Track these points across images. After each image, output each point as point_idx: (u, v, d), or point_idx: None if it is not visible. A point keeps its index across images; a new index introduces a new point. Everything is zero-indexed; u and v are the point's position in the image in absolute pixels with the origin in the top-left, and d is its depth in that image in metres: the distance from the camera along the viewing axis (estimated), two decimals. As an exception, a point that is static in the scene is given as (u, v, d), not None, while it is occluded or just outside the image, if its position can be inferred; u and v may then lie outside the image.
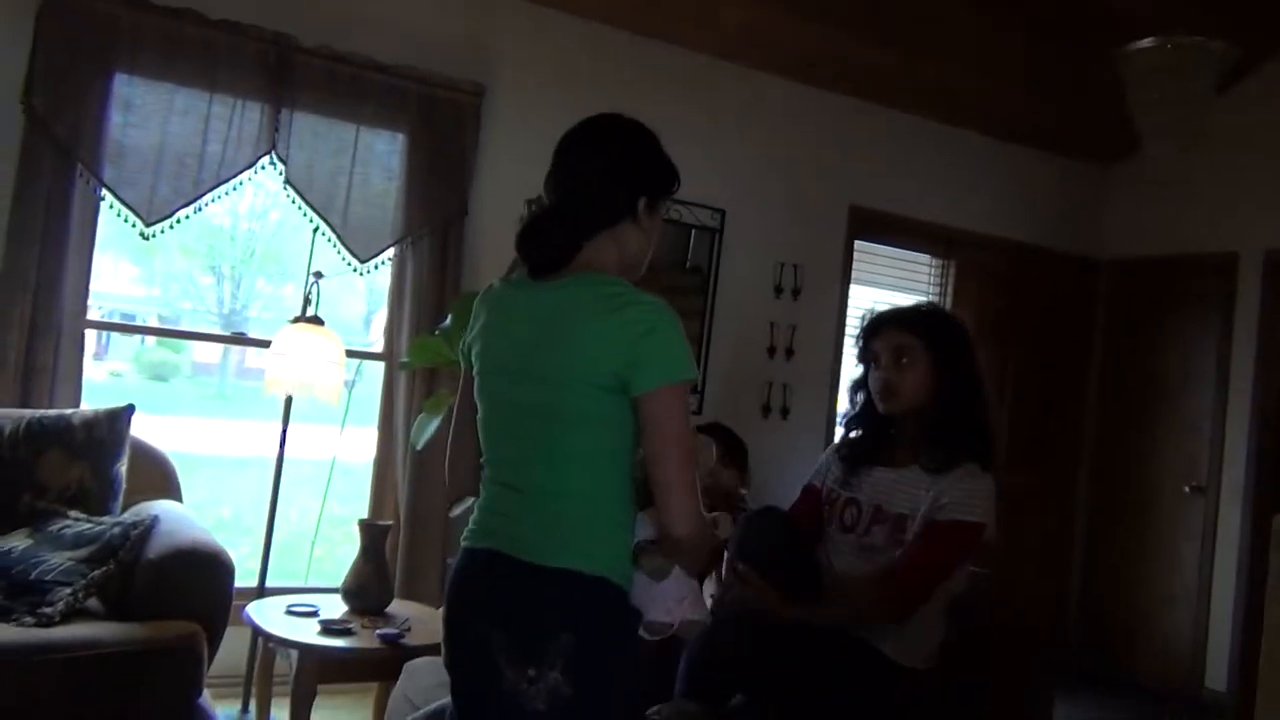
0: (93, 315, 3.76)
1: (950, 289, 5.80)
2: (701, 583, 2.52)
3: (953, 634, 2.47)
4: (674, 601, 1.75)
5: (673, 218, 4.85)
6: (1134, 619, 5.83)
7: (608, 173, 1.77)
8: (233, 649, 3.57)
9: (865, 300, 5.56)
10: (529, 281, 1.78)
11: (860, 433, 2.63)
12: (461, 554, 1.79)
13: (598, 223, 1.75)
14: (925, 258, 5.81)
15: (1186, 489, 5.65)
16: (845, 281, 5.41)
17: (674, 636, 1.79)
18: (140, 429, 3.49)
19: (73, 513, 3.14)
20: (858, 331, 2.66)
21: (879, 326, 2.57)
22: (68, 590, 2.85)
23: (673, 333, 1.64)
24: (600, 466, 1.67)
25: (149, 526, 3.07)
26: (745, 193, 5.07)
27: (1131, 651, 5.81)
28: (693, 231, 4.94)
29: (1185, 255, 5.81)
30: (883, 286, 5.70)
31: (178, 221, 3.83)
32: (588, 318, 1.66)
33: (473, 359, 1.83)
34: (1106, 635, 5.96)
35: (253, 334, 4.13)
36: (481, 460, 1.82)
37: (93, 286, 3.80)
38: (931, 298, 5.79)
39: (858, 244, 5.47)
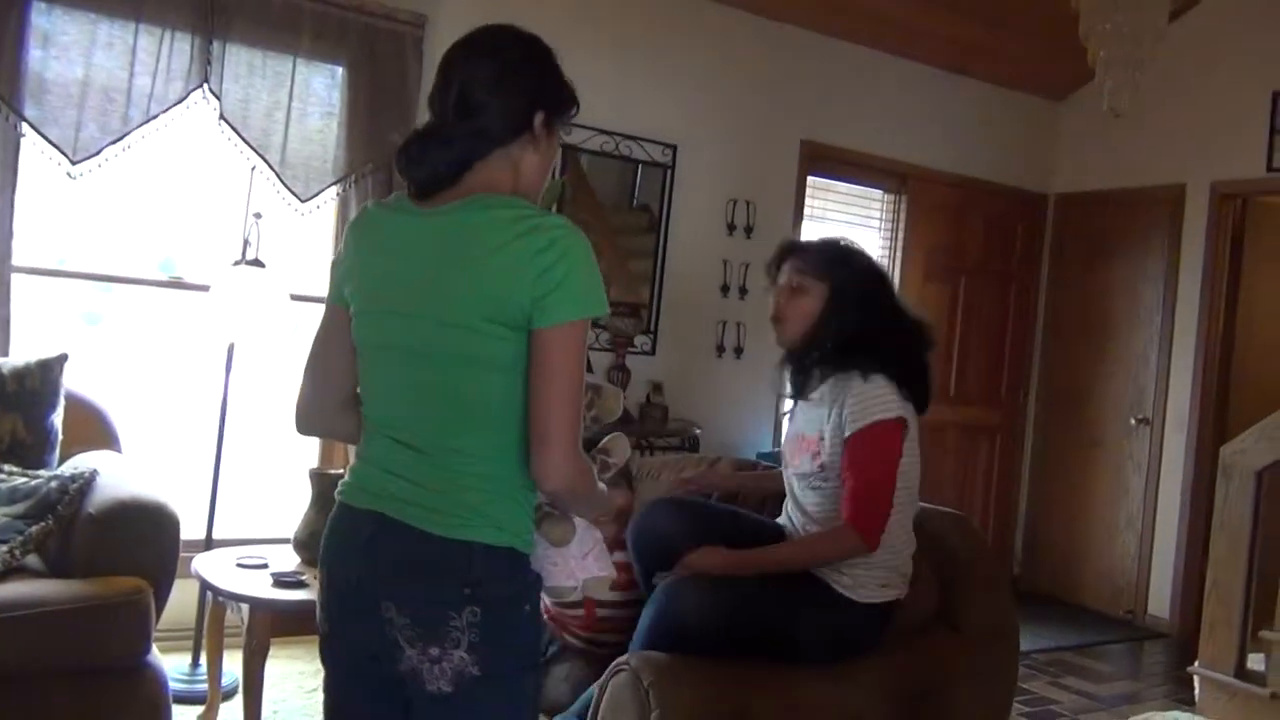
0: (19, 260, 3.58)
1: (902, 224, 5.78)
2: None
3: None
4: (576, 561, 1.63)
5: (622, 153, 4.75)
6: (1081, 547, 5.95)
7: (503, 83, 1.55)
8: (182, 602, 3.47)
9: (820, 235, 5.53)
10: (412, 206, 1.57)
11: (789, 368, 2.61)
12: (341, 510, 1.59)
13: (491, 138, 1.54)
14: (878, 192, 5.78)
15: (1133, 421, 5.74)
16: (798, 218, 5.36)
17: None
18: (76, 378, 3.36)
19: (6, 467, 3.01)
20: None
21: (783, 257, 2.59)
22: (3, 547, 2.74)
23: (586, 260, 1.47)
24: (508, 419, 1.48)
25: (88, 480, 2.95)
26: (697, 128, 4.97)
27: (1078, 579, 5.94)
28: (640, 167, 4.83)
29: (1133, 189, 5.83)
30: (837, 222, 5.65)
31: (106, 161, 3.65)
32: (488, 245, 1.45)
33: (347, 296, 1.61)
34: (1054, 563, 6.08)
35: (190, 279, 3.97)
36: (357, 403, 1.64)
37: (17, 229, 3.62)
38: (884, 233, 5.77)
39: (811, 179, 5.41)
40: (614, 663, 2.12)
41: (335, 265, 1.67)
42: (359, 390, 1.64)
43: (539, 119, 1.57)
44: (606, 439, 1.69)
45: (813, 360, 2.49)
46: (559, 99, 1.62)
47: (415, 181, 1.56)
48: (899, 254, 5.78)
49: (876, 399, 2.38)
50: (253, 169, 3.82)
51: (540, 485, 1.48)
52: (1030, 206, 6.23)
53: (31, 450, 3.16)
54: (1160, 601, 5.59)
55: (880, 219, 5.79)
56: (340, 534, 1.59)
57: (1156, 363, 5.68)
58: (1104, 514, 5.87)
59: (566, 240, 1.46)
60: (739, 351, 5.15)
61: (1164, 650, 5.25)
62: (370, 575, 1.52)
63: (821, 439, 2.45)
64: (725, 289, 5.11)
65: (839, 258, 2.55)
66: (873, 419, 2.36)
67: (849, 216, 5.71)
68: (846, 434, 2.39)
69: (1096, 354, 5.99)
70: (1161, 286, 5.69)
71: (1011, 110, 6.09)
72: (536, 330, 1.44)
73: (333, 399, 1.67)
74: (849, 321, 2.45)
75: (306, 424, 1.72)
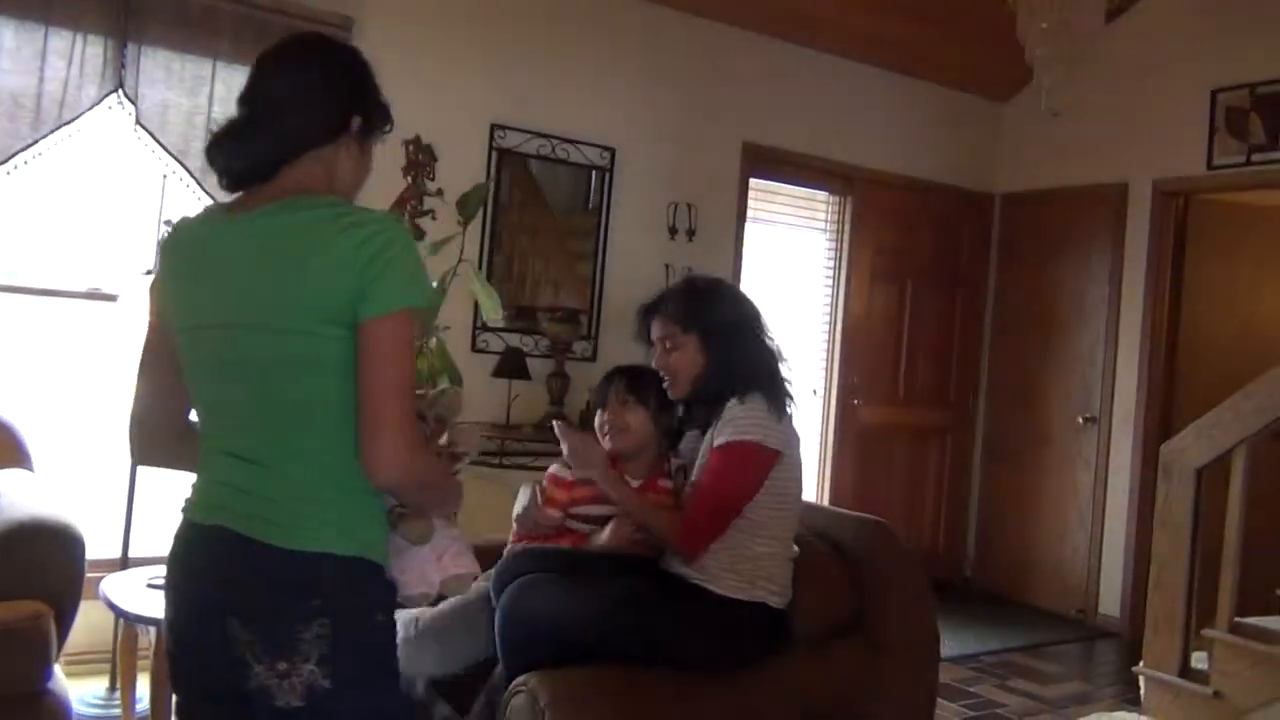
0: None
1: (848, 225, 5.74)
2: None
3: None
4: (432, 563, 1.58)
5: (559, 156, 4.68)
6: (1030, 548, 5.93)
7: (316, 84, 1.54)
8: (99, 624, 3.37)
9: (763, 239, 5.49)
10: (223, 216, 1.54)
11: (681, 409, 2.70)
12: (184, 526, 1.55)
13: (303, 137, 1.52)
14: (823, 194, 5.73)
15: (1080, 420, 5.73)
16: (741, 220, 5.30)
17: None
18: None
19: (-99, 488, 2.89)
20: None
21: (647, 320, 2.66)
22: (-107, 573, 2.61)
23: (408, 252, 1.45)
24: (347, 423, 1.43)
25: (-13, 500, 2.83)
26: (636, 130, 4.91)
27: (1028, 579, 5.92)
28: (590, 172, 4.76)
29: (1077, 188, 5.83)
30: (781, 224, 5.61)
31: (15, 169, 3.52)
32: (308, 244, 1.43)
33: (169, 318, 1.56)
34: (1004, 564, 6.06)
35: (105, 290, 3.84)
36: (193, 427, 1.59)
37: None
38: (830, 234, 5.73)
39: (754, 181, 5.36)
40: (512, 684, 2.04)
41: (153, 288, 1.62)
42: (194, 412, 1.59)
43: (355, 123, 1.57)
44: (449, 431, 1.65)
45: (703, 397, 2.55)
46: (374, 107, 1.61)
47: (229, 175, 1.53)
48: (845, 256, 5.74)
49: (745, 420, 2.41)
50: (164, 176, 3.71)
51: (373, 478, 1.42)
52: (976, 206, 6.21)
53: (-68, 470, 3.04)
54: (1111, 601, 5.58)
55: (826, 221, 5.75)
56: (184, 551, 1.54)
57: (1103, 361, 5.67)
58: (1054, 514, 5.85)
59: (387, 233, 1.44)
60: (683, 356, 5.07)
61: (1114, 650, 5.23)
62: (215, 592, 1.47)
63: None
64: (668, 293, 5.03)
65: (697, 304, 2.59)
66: (736, 438, 2.39)
67: (793, 218, 5.67)
68: (714, 445, 2.44)
69: (1044, 353, 5.98)
70: (1106, 285, 5.69)
71: (956, 111, 6.07)
72: (361, 322, 1.41)
73: (169, 427, 1.62)
74: (731, 357, 2.49)
75: (143, 454, 1.68)
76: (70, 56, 3.58)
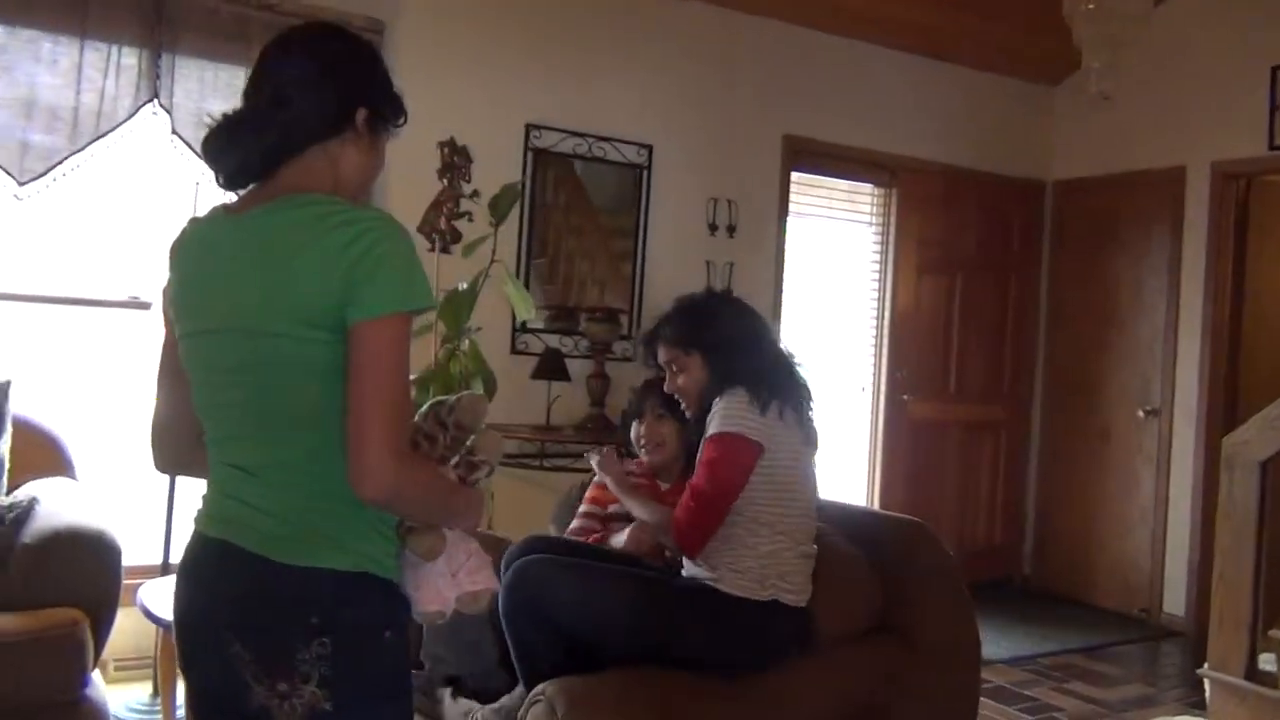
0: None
1: (893, 217, 5.62)
2: None
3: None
4: (447, 579, 1.49)
5: (595, 155, 4.63)
6: (1090, 545, 5.76)
7: (322, 76, 1.47)
8: (143, 630, 3.39)
9: (806, 234, 5.40)
10: (224, 215, 1.48)
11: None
12: (192, 540, 1.50)
13: (306, 130, 1.45)
14: (868, 186, 5.62)
15: (1141, 413, 5.55)
16: (783, 215, 5.21)
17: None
18: (30, 404, 3.29)
19: (-55, 498, 2.93)
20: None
21: (651, 347, 2.70)
22: (-66, 582, 2.65)
23: (401, 251, 1.37)
24: (337, 431, 1.35)
25: (26, 509, 2.86)
26: (673, 126, 4.84)
27: (1088, 577, 5.75)
28: (627, 170, 4.72)
29: (1132, 172, 5.64)
30: (824, 218, 5.52)
31: (54, 181, 3.56)
32: (296, 244, 1.36)
33: (175, 320, 1.52)
34: (1063, 562, 5.89)
35: (144, 298, 3.88)
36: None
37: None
38: (875, 227, 5.63)
39: (795, 175, 5.27)
40: (531, 693, 2.00)
41: (164, 292, 1.56)
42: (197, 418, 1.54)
43: (361, 115, 1.49)
44: (472, 438, 1.56)
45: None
46: (384, 98, 1.53)
47: (223, 172, 1.46)
48: (891, 249, 5.62)
49: (725, 412, 2.41)
50: (196, 183, 3.73)
51: (357, 494, 1.33)
52: (1027, 194, 6.05)
53: (-25, 480, 3.08)
54: (1175, 599, 5.39)
55: (870, 213, 5.64)
56: (190, 564, 1.49)
57: (1163, 352, 5.49)
58: (1115, 509, 5.68)
59: (378, 231, 1.36)
60: (726, 354, 5.00)
61: (1179, 650, 5.05)
62: (215, 608, 1.42)
63: None
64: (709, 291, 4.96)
65: (695, 322, 2.60)
66: (716, 430, 2.40)
67: (837, 211, 5.57)
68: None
69: (1102, 344, 5.80)
70: (1165, 272, 5.50)
71: (1003, 96, 5.92)
72: (350, 327, 1.34)
73: (187, 435, 1.55)
74: (735, 368, 2.49)
75: (163, 462, 1.62)
76: (106, 68, 3.61)
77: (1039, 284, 6.11)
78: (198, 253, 1.50)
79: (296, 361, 1.37)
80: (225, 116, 1.47)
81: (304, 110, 1.44)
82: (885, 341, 5.61)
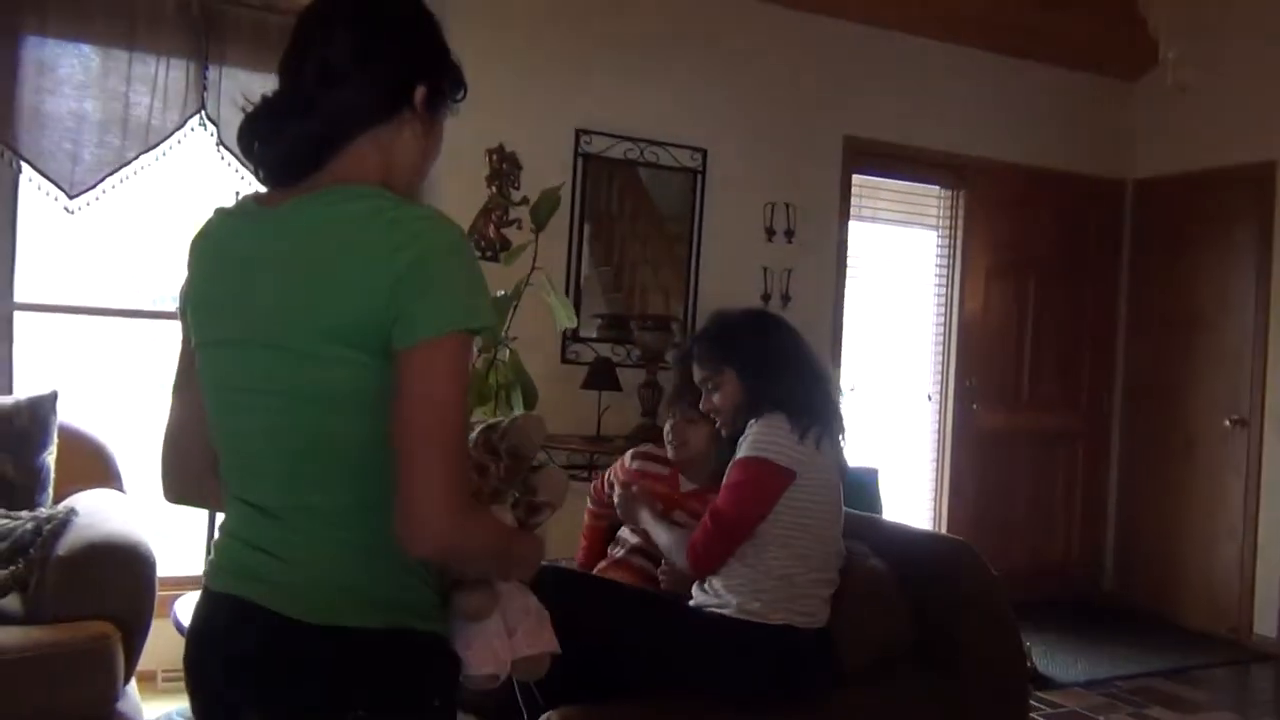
0: (20, 297, 3.56)
1: (961, 220, 5.42)
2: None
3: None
4: (500, 640, 1.31)
5: (647, 160, 4.54)
6: (1175, 562, 5.47)
7: (371, 46, 1.24)
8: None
9: (868, 238, 5.23)
10: (256, 207, 1.27)
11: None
12: (201, 597, 1.30)
13: (359, 116, 1.24)
14: (934, 188, 5.43)
15: (1228, 422, 5.25)
16: (844, 219, 5.05)
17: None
18: (77, 415, 3.31)
19: (-10, 509, 2.95)
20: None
21: (684, 363, 2.68)
22: (-28, 592, 2.66)
23: (457, 259, 1.16)
24: (376, 470, 1.15)
25: (64, 520, 2.87)
26: (727, 129, 4.72)
27: (1173, 595, 5.46)
28: (681, 175, 4.62)
29: (1217, 169, 5.35)
30: (887, 222, 5.34)
31: (104, 193, 3.60)
32: (334, 247, 1.16)
33: (191, 327, 1.31)
34: (1145, 579, 5.61)
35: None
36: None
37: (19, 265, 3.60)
38: (942, 231, 5.43)
39: (856, 178, 5.10)
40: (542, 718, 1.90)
41: (183, 293, 1.34)
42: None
43: (420, 94, 1.27)
44: (534, 475, 1.39)
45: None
46: (443, 71, 1.31)
47: (266, 165, 1.26)
48: (959, 252, 5.42)
49: (761, 437, 2.35)
50: (237, 193, 3.73)
51: (406, 548, 1.14)
52: (1104, 194, 5.78)
53: (21, 491, 3.11)
54: (1268, 620, 5.08)
55: (937, 216, 5.44)
56: (199, 625, 1.29)
57: (1251, 358, 5.19)
58: (1201, 524, 5.38)
59: (432, 234, 1.15)
60: (784, 363, 4.86)
61: (1272, 674, 4.75)
62: (230, 676, 1.23)
63: None
64: (766, 298, 4.83)
65: (728, 338, 2.56)
66: (748, 454, 2.35)
67: (901, 215, 5.39)
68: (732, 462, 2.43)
69: (1186, 351, 5.51)
70: (1253, 274, 5.21)
71: (1078, 93, 5.66)
72: (396, 351, 1.13)
73: (197, 460, 1.35)
74: (768, 384, 2.44)
75: (172, 490, 1.41)
76: (154, 82, 3.64)
77: (1118, 287, 5.84)
78: (221, 249, 1.29)
79: (331, 387, 1.17)
80: (262, 100, 1.26)
81: (354, 90, 1.23)
82: (953, 349, 5.40)
